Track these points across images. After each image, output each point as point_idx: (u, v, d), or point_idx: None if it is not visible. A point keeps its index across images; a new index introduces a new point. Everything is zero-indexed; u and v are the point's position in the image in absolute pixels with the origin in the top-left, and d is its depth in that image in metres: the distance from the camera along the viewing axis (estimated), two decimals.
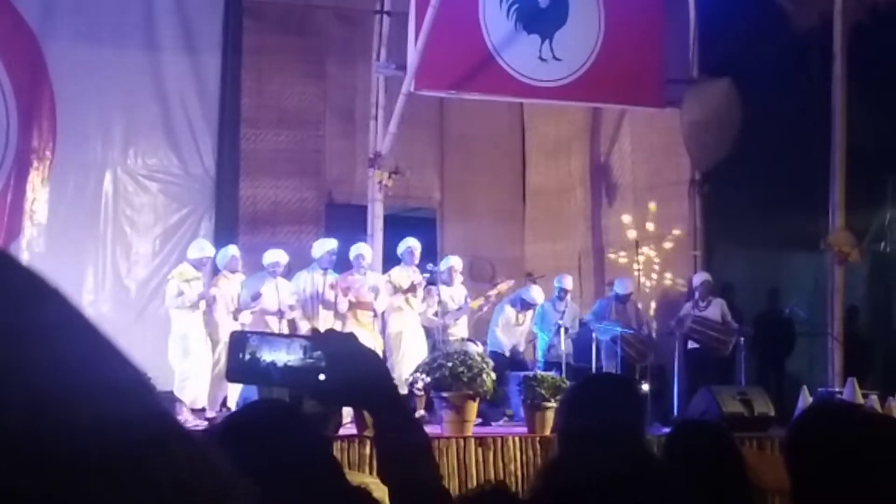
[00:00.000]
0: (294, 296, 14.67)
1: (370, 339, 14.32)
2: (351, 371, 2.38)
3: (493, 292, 15.94)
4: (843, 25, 16.07)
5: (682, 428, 4.26)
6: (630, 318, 16.33)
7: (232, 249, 14.87)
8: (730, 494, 3.79)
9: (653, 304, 17.26)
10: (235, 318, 14.35)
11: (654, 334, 16.35)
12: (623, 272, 17.24)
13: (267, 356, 2.37)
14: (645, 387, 14.67)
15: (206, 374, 14.09)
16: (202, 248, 14.83)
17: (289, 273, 14.97)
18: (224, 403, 14.07)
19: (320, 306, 14.69)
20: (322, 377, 2.35)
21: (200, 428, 9.64)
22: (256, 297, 14.36)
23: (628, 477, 2.24)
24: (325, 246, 14.97)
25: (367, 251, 15.10)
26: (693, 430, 4.25)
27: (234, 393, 13.69)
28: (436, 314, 15.15)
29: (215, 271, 14.97)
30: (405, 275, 15.19)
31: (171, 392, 13.89)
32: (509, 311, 15.97)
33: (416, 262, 15.28)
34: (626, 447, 2.87)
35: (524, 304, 15.98)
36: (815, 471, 3.15)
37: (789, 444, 3.33)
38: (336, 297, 14.69)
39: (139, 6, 16.73)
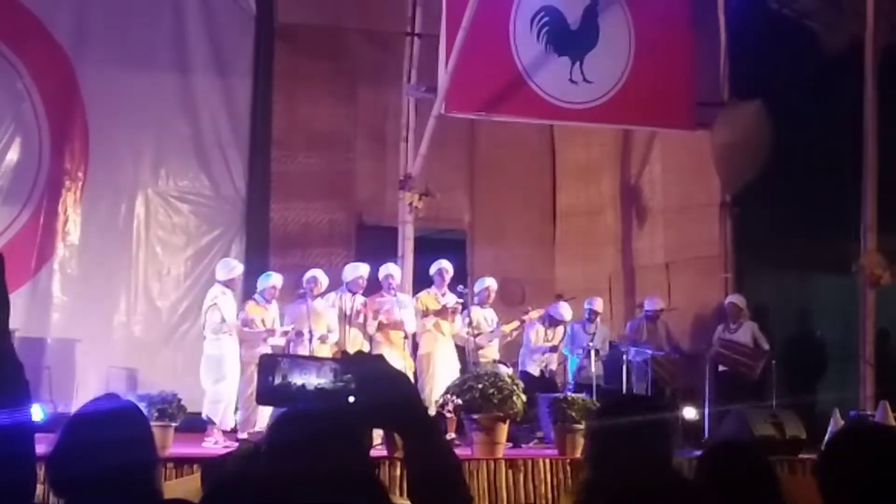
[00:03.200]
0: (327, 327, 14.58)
1: (401, 359, 14.30)
2: (381, 393, 2.39)
3: (526, 317, 15.88)
4: (873, 47, 15.99)
5: (716, 449, 4.24)
6: (661, 339, 16.31)
7: (274, 279, 14.59)
8: None
9: (683, 327, 17.21)
10: (265, 341, 14.26)
11: (684, 355, 16.30)
12: (653, 294, 17.20)
13: (297, 379, 2.38)
14: (692, 412, 14.72)
15: (236, 397, 14.08)
16: (231, 267, 14.67)
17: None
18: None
19: (349, 328, 14.65)
20: (352, 399, 2.36)
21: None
22: (298, 334, 14.30)
23: (658, 498, 2.24)
24: (356, 271, 14.91)
25: (396, 272, 15.07)
26: (728, 452, 4.23)
27: (265, 415, 13.70)
28: (468, 333, 15.10)
29: (247, 291, 14.91)
30: (433, 297, 15.15)
31: (200, 413, 13.90)
32: (539, 329, 15.95)
33: (447, 284, 15.19)
34: (655, 468, 2.86)
35: (552, 321, 15.94)
36: (847, 493, 3.13)
37: (822, 466, 3.31)
38: (366, 318, 14.66)
39: (170, 30, 16.84)
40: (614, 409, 4.17)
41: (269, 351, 13.42)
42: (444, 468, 2.47)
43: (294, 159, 17.43)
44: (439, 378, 14.40)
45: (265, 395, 2.47)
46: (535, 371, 15.77)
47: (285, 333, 14.30)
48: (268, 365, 2.43)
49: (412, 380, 14.06)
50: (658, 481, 2.34)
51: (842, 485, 3.16)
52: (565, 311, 15.97)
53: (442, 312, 15.04)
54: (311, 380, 2.37)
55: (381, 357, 2.54)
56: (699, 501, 2.34)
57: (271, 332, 14.21)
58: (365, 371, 2.40)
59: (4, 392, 2.50)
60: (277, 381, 2.39)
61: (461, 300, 15.19)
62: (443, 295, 15.13)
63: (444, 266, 15.25)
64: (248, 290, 14.97)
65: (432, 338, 15.06)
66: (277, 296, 14.49)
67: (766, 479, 3.92)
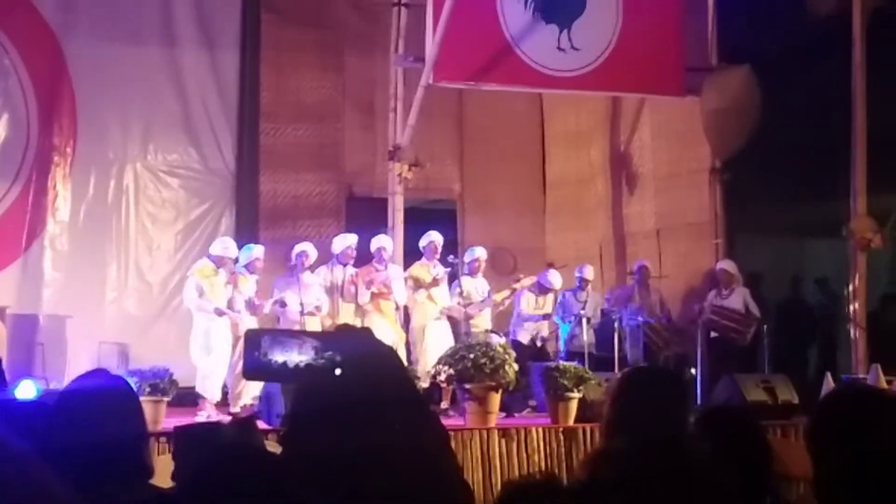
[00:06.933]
0: (317, 299, 14.55)
1: (392, 330, 14.31)
2: (366, 367, 2.38)
3: (516, 285, 15.89)
4: (862, 10, 15.98)
5: (707, 414, 4.25)
6: (655, 305, 16.32)
7: (256, 251, 14.58)
8: (755, 480, 3.78)
9: (675, 294, 17.21)
10: (254, 314, 14.23)
11: (675, 324, 16.32)
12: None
13: (279, 356, 2.39)
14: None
15: (227, 370, 14.04)
16: (226, 247, 14.55)
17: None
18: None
19: (340, 300, 14.65)
20: (338, 372, 2.35)
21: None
22: (283, 304, 14.27)
23: (674, 469, 2.24)
24: (344, 241, 14.95)
25: (388, 243, 15.08)
26: (719, 417, 4.24)
27: (254, 387, 13.68)
28: (458, 303, 15.11)
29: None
30: (425, 269, 15.16)
31: (193, 388, 13.88)
32: (529, 297, 15.97)
33: (438, 256, 15.22)
34: (673, 439, 2.87)
35: (542, 289, 15.96)
36: (836, 455, 3.13)
37: (813, 428, 3.32)
38: (356, 289, 14.66)
39: (157, 3, 16.76)
40: (639, 379, 4.18)
41: (254, 325, 13.38)
42: (432, 440, 2.47)
43: (282, 131, 17.39)
44: (432, 350, 14.41)
45: (251, 370, 2.48)
46: (526, 339, 15.79)
47: (254, 306, 14.27)
48: (252, 341, 2.43)
49: (403, 352, 14.14)
50: (675, 452, 2.34)
51: (831, 447, 3.17)
52: (555, 279, 15.99)
53: (433, 284, 15.06)
54: (292, 357, 2.38)
55: (367, 330, 2.54)
56: (712, 472, 2.34)
57: (258, 306, 14.22)
58: (350, 345, 2.39)
59: None
60: (261, 357, 2.40)
61: (448, 269, 15.20)
62: (434, 267, 15.15)
63: (434, 238, 15.27)
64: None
65: (425, 310, 15.08)
66: (262, 266, 14.49)
67: (759, 444, 3.92)
